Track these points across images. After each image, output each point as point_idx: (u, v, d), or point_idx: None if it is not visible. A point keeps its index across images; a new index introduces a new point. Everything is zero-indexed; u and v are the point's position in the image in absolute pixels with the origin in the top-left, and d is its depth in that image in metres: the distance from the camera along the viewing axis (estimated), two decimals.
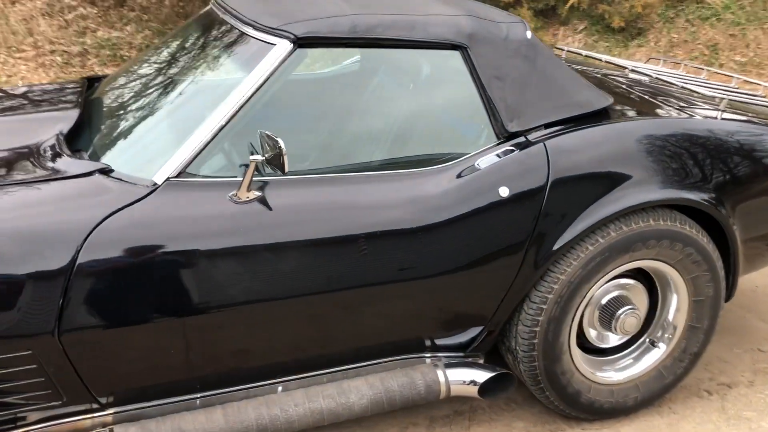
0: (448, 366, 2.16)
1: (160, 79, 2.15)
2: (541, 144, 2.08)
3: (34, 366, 1.75)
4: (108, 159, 1.93)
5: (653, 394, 2.39)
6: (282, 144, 1.73)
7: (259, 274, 1.87)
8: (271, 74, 1.93)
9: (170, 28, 8.60)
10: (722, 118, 2.35)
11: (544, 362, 2.20)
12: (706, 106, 2.50)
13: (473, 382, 2.16)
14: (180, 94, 2.05)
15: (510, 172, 2.04)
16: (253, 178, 1.86)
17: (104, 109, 2.19)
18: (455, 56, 2.11)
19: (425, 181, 2.01)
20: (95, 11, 9.23)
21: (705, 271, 2.27)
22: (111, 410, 1.91)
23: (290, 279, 1.90)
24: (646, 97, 2.56)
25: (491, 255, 2.05)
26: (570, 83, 2.22)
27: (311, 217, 1.90)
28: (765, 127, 2.41)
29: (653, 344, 2.40)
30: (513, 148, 2.09)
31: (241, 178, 1.85)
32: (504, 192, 2.02)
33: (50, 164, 1.91)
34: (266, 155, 1.78)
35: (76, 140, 2.09)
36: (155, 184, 1.81)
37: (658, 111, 2.41)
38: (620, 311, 2.27)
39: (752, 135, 2.35)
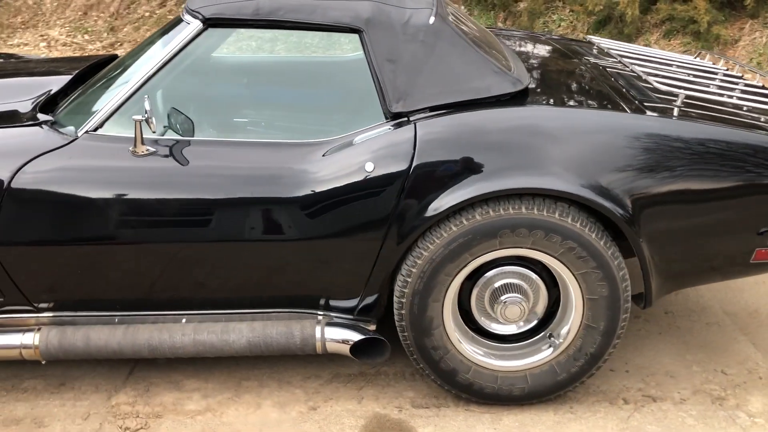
0: (330, 324, 2.34)
1: (126, 60, 2.58)
2: (412, 123, 2.18)
3: None
4: (64, 118, 2.40)
5: (544, 388, 2.35)
6: (147, 107, 2.07)
7: (148, 219, 2.23)
8: (181, 49, 2.27)
9: None
10: (649, 114, 2.23)
11: (413, 334, 2.29)
12: (658, 101, 2.36)
13: (346, 342, 2.32)
14: (124, 69, 2.45)
15: (378, 148, 2.17)
16: (162, 137, 2.23)
17: (87, 81, 2.68)
18: (354, 39, 2.27)
19: (306, 152, 2.22)
20: None
21: (594, 268, 2.18)
22: (46, 314, 2.39)
23: (178, 227, 2.24)
24: (604, 88, 2.47)
25: (358, 225, 2.20)
26: (470, 69, 2.26)
27: (196, 174, 2.21)
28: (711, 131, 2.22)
29: (551, 338, 2.35)
30: (390, 127, 2.21)
31: (155, 136, 2.22)
32: (369, 167, 2.16)
33: (21, 115, 2.43)
34: (144, 116, 2.13)
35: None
36: (76, 136, 2.25)
37: (587, 101, 2.34)
38: (504, 297, 2.28)
39: (675, 140, 2.19)
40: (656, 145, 2.18)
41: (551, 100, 2.37)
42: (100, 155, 2.24)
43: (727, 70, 2.96)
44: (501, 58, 2.45)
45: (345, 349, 2.33)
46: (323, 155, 2.20)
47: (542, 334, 2.38)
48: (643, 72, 2.53)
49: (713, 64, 3.07)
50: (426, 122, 2.18)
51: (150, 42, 2.46)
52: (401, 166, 2.15)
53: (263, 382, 2.54)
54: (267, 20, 2.26)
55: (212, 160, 2.22)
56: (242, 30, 2.32)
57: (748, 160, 2.21)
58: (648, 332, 2.81)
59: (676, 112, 2.31)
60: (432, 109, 2.22)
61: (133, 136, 2.20)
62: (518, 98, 2.29)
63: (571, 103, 2.36)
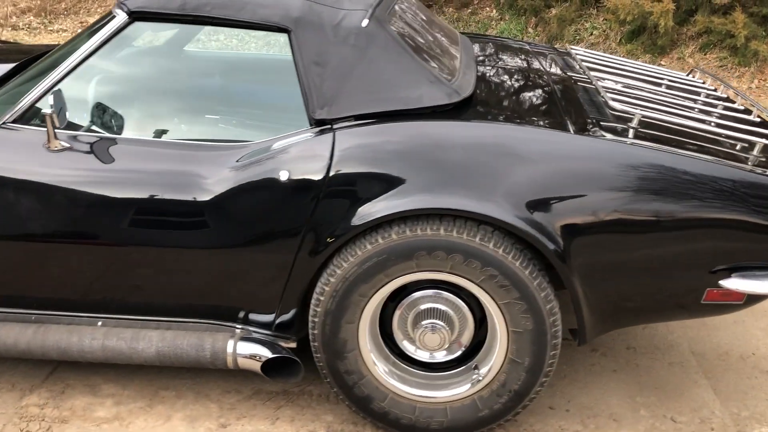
0: (244, 339, 2.22)
1: (57, 51, 2.50)
2: (331, 133, 2.04)
3: None
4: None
5: (463, 424, 2.18)
6: (51, 101, 1.98)
7: (58, 217, 2.14)
8: (106, 41, 2.18)
9: None
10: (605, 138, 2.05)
11: (326, 356, 2.15)
12: (614, 120, 2.18)
13: (256, 358, 2.20)
14: (53, 61, 2.37)
15: (294, 156, 2.05)
16: (84, 133, 2.15)
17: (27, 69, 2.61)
18: (284, 38, 2.14)
19: (220, 155, 2.10)
20: None
21: (517, 299, 2.01)
22: None
23: (85, 226, 2.15)
24: (556, 105, 2.29)
25: (270, 237, 2.08)
26: (402, 77, 2.11)
27: (107, 172, 2.12)
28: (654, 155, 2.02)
29: (475, 370, 2.19)
30: (311, 134, 2.07)
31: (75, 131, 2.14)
32: (283, 176, 2.03)
33: None
34: (51, 110, 2.04)
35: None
36: None
37: (529, 117, 2.17)
38: (425, 322, 2.12)
39: (617, 165, 2.00)
40: (593, 169, 2.00)
41: (490, 115, 2.20)
42: (15, 148, 2.17)
43: (715, 90, 2.75)
44: (445, 67, 2.29)
45: (256, 366, 2.20)
46: (237, 160, 2.07)
47: (467, 365, 2.22)
48: (603, 88, 2.34)
49: (704, 83, 2.85)
50: (346, 131, 2.04)
51: (81, 35, 2.38)
52: (316, 177, 2.02)
53: (181, 393, 2.44)
54: (193, 15, 2.16)
55: (124, 159, 2.13)
56: (168, 24, 2.21)
57: (701, 190, 2.01)
58: (602, 368, 2.61)
59: (631, 133, 2.13)
60: (357, 117, 2.08)
61: (54, 131, 2.12)
62: (455, 111, 2.13)
63: (511, 118, 2.19)
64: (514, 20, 8.55)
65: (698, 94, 2.68)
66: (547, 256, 1.98)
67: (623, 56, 7.78)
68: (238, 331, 2.26)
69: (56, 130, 2.11)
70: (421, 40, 2.40)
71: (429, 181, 1.98)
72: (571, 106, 2.31)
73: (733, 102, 2.59)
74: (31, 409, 2.34)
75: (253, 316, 2.25)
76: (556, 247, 1.96)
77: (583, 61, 2.77)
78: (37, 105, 2.17)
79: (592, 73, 2.55)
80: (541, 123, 2.16)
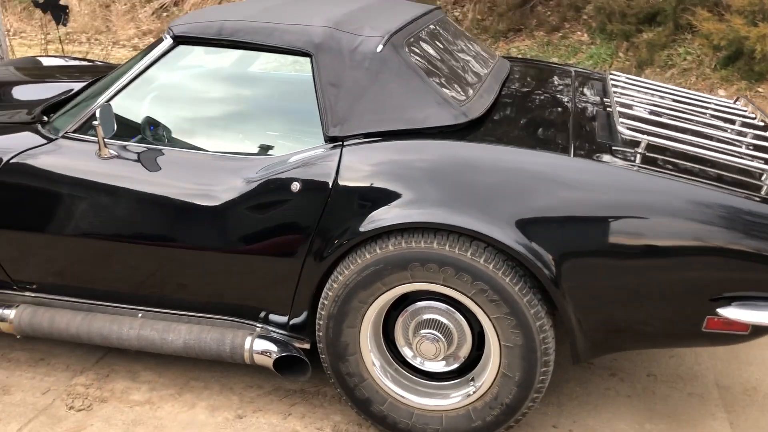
0: (261, 337, 2.40)
1: (116, 70, 2.80)
2: (339, 149, 2.20)
3: None
4: (57, 120, 2.63)
5: None
6: (98, 114, 2.26)
7: (105, 218, 2.41)
8: (153, 62, 2.44)
9: None
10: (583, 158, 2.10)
11: (329, 358, 2.30)
12: (623, 145, 2.23)
13: (269, 355, 2.37)
14: (111, 79, 2.65)
15: (305, 170, 2.22)
16: (134, 143, 2.42)
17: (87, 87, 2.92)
18: (306, 62, 2.33)
19: (244, 167, 2.31)
20: None
21: (507, 314, 2.08)
22: (28, 294, 2.65)
23: (126, 227, 2.40)
24: (567, 128, 2.35)
25: (282, 242, 2.26)
26: (409, 99, 2.24)
27: (146, 179, 2.37)
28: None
29: (472, 382, 2.26)
30: (323, 150, 2.24)
31: (121, 142, 2.42)
32: (295, 187, 2.21)
33: (27, 115, 2.71)
34: (97, 122, 2.31)
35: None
36: (57, 137, 2.49)
37: (535, 140, 2.25)
38: (423, 331, 2.23)
39: (617, 190, 2.05)
40: (590, 193, 2.05)
41: (494, 136, 2.29)
42: (73, 155, 2.46)
43: (754, 118, 2.70)
44: (461, 90, 2.40)
45: (269, 362, 2.38)
46: (257, 172, 2.27)
47: (466, 376, 2.30)
48: (618, 113, 2.37)
49: (748, 111, 2.81)
50: (352, 148, 2.20)
51: (137, 56, 2.66)
52: (323, 189, 2.18)
53: (209, 384, 2.65)
54: (229, 40, 2.39)
55: (163, 167, 2.37)
56: (209, 48, 2.45)
57: (701, 218, 2.01)
58: (617, 393, 2.60)
59: (638, 158, 2.16)
60: (366, 135, 2.23)
61: (103, 140, 2.39)
62: (461, 132, 2.23)
63: (513, 141, 2.27)
64: (605, 45, 8.44)
65: (733, 122, 2.64)
66: (537, 275, 2.04)
67: (719, 82, 7.53)
68: (258, 329, 2.44)
69: (106, 140, 2.39)
70: (441, 64, 2.52)
71: (425, 197, 2.09)
72: (584, 131, 2.35)
73: (764, 129, 2.55)
74: (78, 388, 2.62)
75: (272, 317, 2.43)
76: (546, 268, 2.02)
77: (614, 86, 2.79)
78: (92, 118, 2.46)
79: (618, 98, 2.57)
80: (543, 146, 2.22)
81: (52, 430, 2.41)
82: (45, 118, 2.64)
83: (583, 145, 2.23)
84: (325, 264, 2.21)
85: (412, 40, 2.49)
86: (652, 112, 2.56)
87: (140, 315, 2.56)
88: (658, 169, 2.10)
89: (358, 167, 2.17)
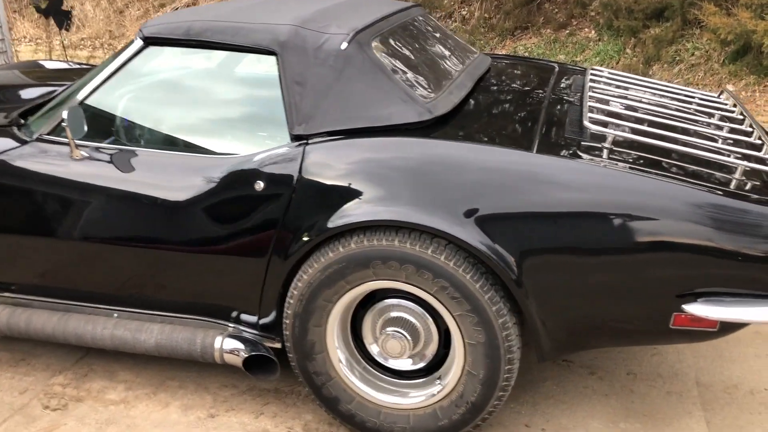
0: (231, 337, 2.40)
1: (89, 72, 2.81)
2: (302, 147, 2.19)
3: None
4: (34, 123, 2.66)
5: None
6: (64, 115, 2.28)
7: (77, 218, 2.43)
8: (124, 64, 2.46)
9: (476, 37, 9.27)
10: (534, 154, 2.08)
11: (297, 356, 2.29)
12: (591, 140, 2.20)
13: (239, 354, 2.37)
14: (84, 81, 2.66)
15: (269, 169, 2.21)
16: (108, 144, 2.43)
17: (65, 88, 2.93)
18: (272, 60, 2.33)
19: (210, 166, 2.30)
20: None
21: (468, 311, 2.06)
22: (9, 294, 2.68)
23: (100, 227, 2.42)
24: (535, 124, 2.33)
25: (247, 242, 2.26)
26: (374, 96, 2.23)
27: (115, 179, 2.38)
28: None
29: (439, 380, 2.24)
30: (287, 149, 2.23)
31: (94, 143, 2.44)
32: (259, 186, 2.21)
33: (4, 119, 2.74)
34: (64, 124, 2.32)
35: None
36: (31, 139, 2.51)
37: (499, 137, 2.23)
38: (388, 329, 2.22)
39: (579, 186, 2.01)
40: (551, 188, 2.02)
41: (458, 133, 2.27)
42: (47, 157, 2.47)
43: (733, 112, 2.65)
44: (429, 87, 2.39)
45: (238, 361, 2.38)
46: (223, 171, 2.27)
47: (433, 375, 2.28)
48: (588, 108, 2.34)
49: (729, 104, 2.76)
50: (315, 146, 2.19)
51: (109, 58, 2.68)
52: (286, 188, 2.18)
53: (184, 383, 2.66)
54: (197, 40, 2.39)
55: (131, 168, 2.37)
56: (177, 48, 2.45)
57: (665, 213, 1.97)
58: (594, 391, 2.57)
59: (605, 154, 2.13)
60: (331, 134, 2.22)
61: (74, 142, 2.41)
62: (426, 129, 2.22)
63: (475, 137, 2.25)
64: (612, 41, 8.36)
65: (713, 116, 2.60)
66: (498, 273, 2.02)
67: (727, 77, 7.42)
68: (230, 329, 2.44)
69: (78, 141, 2.40)
70: (411, 61, 2.51)
71: (385, 194, 2.08)
72: (552, 128, 2.32)
73: (741, 123, 2.50)
74: (55, 388, 2.65)
75: (243, 317, 2.43)
76: (507, 266, 2.00)
77: (593, 81, 2.75)
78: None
79: (593, 94, 2.54)
80: (506, 142, 2.20)
81: (26, 430, 2.43)
82: (22, 121, 2.66)
83: (548, 142, 2.20)
84: (289, 263, 2.20)
85: (381, 37, 2.48)
86: (628, 108, 2.53)
87: (116, 315, 2.57)
88: (623, 165, 2.07)
89: (320, 166, 2.16)
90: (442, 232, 2.02)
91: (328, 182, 2.15)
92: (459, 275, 2.03)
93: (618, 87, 2.77)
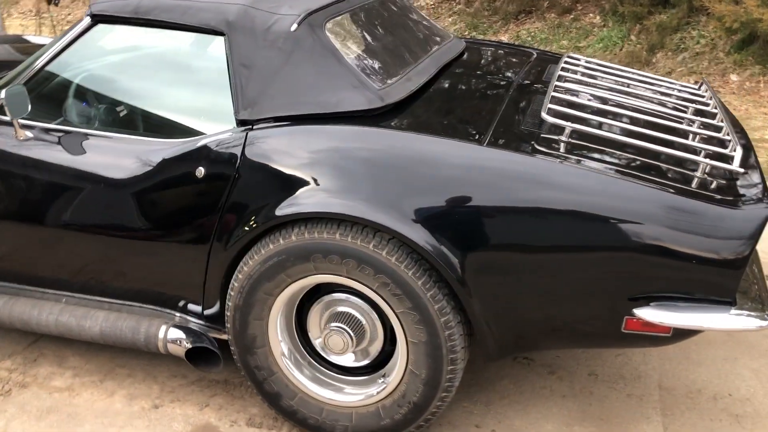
0: (176, 326, 2.33)
1: (40, 49, 2.72)
2: (244, 133, 2.11)
3: None
4: None
5: (366, 431, 2.17)
6: (1, 95, 2.20)
7: (20, 199, 2.36)
8: (72, 41, 2.37)
9: (479, 20, 9.14)
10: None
11: (238, 350, 2.22)
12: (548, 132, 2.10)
13: (181, 345, 2.30)
14: (32, 59, 2.57)
15: (210, 155, 2.13)
16: (50, 125, 2.35)
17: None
18: (220, 41, 2.24)
19: (155, 149, 2.22)
20: (432, 2, 10.29)
21: (410, 309, 1.97)
22: None
23: (41, 209, 2.34)
24: (493, 114, 2.23)
25: (188, 230, 2.18)
26: (324, 82, 2.13)
27: (56, 161, 2.30)
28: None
29: (384, 378, 2.17)
30: (230, 134, 2.14)
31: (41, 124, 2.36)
32: (200, 172, 2.13)
33: None
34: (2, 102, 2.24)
35: None
36: None
37: (449, 127, 2.14)
38: (331, 325, 2.14)
39: (527, 180, 1.91)
40: (498, 182, 1.92)
41: (408, 123, 2.16)
42: None
43: (709, 106, 2.53)
44: (385, 73, 2.29)
45: (181, 352, 2.31)
46: (165, 155, 2.19)
47: (378, 373, 2.20)
48: (551, 97, 2.23)
49: (706, 96, 2.64)
50: (257, 133, 2.10)
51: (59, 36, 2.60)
52: (226, 176, 2.10)
53: (134, 372, 2.60)
54: (144, 18, 2.30)
55: (73, 150, 2.29)
56: (126, 26, 2.36)
57: (616, 212, 1.87)
58: (552, 392, 2.48)
59: (562, 148, 2.04)
60: (276, 119, 2.13)
61: (17, 122, 2.33)
62: (376, 117, 2.12)
63: (425, 128, 2.14)
64: (616, 27, 8.17)
65: (687, 109, 2.49)
66: (440, 271, 1.93)
67: (732, 67, 7.25)
68: (176, 318, 2.37)
69: (23, 122, 2.33)
70: (369, 45, 2.41)
71: (327, 186, 1.99)
72: (511, 119, 2.22)
73: (713, 117, 2.38)
74: (1, 373, 2.59)
75: (190, 306, 2.35)
76: (450, 265, 1.91)
77: (565, 70, 2.64)
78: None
79: (561, 83, 2.43)
80: (455, 134, 2.10)
81: None
82: None
83: (502, 134, 2.10)
84: (229, 254, 2.12)
85: (339, 19, 2.37)
86: (596, 99, 2.41)
87: (64, 300, 2.51)
88: (576, 160, 1.97)
89: (262, 153, 2.07)
90: (386, 228, 1.93)
91: (268, 171, 2.06)
92: (401, 271, 1.95)
93: (590, 77, 2.65)
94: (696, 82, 2.77)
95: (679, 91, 2.67)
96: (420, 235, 1.91)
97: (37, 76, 2.40)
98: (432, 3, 10.06)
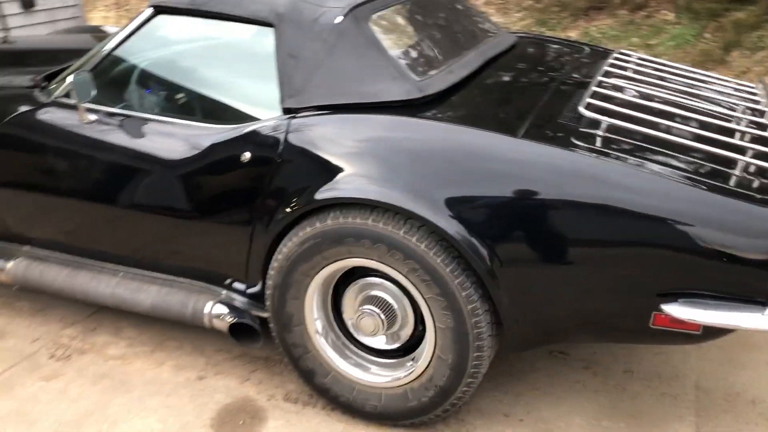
0: (222, 303, 2.46)
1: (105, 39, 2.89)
2: (288, 120, 2.20)
3: None
4: (53, 86, 2.76)
5: (394, 411, 2.24)
6: (70, 80, 2.36)
7: (84, 178, 2.53)
8: (134, 31, 2.53)
9: (548, 16, 9.05)
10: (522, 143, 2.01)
11: (276, 327, 2.33)
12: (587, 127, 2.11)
13: (224, 320, 2.42)
14: (99, 47, 2.74)
15: (256, 140, 2.24)
16: (112, 110, 2.51)
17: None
18: (270, 32, 2.34)
19: (206, 134, 2.35)
20: None
21: (438, 295, 2.03)
22: (27, 247, 2.83)
23: (104, 189, 2.51)
24: (530, 107, 2.26)
25: (233, 209, 2.30)
26: (364, 72, 2.21)
27: (119, 141, 2.46)
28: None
29: (413, 362, 2.23)
30: (274, 121, 2.24)
31: (105, 108, 2.52)
32: (245, 157, 2.24)
33: (29, 81, 2.86)
34: (71, 88, 2.41)
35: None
36: (49, 101, 2.63)
37: (487, 119, 2.18)
38: (363, 307, 2.22)
39: (558, 174, 1.93)
40: (535, 177, 1.95)
41: (446, 114, 2.20)
42: (60, 119, 2.58)
43: (759, 105, 2.48)
44: (426, 65, 2.34)
45: (224, 327, 2.43)
46: (215, 140, 2.30)
47: (409, 356, 2.27)
48: (593, 92, 2.24)
49: (759, 95, 2.59)
50: (299, 120, 2.19)
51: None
52: (269, 161, 2.20)
53: (182, 344, 2.75)
54: (201, 10, 2.43)
55: (132, 133, 2.45)
56: (183, 17, 2.50)
57: (654, 209, 1.87)
58: (584, 387, 2.49)
59: (598, 142, 2.05)
60: (319, 108, 2.22)
61: (82, 105, 2.50)
62: (415, 108, 2.18)
63: (462, 119, 2.18)
64: (690, 25, 7.94)
65: (736, 108, 2.44)
66: (469, 261, 1.98)
67: None
68: (222, 295, 2.50)
69: (88, 105, 2.49)
70: (414, 38, 2.47)
71: (366, 173, 2.06)
72: (549, 112, 2.24)
73: (762, 116, 2.34)
74: (64, 339, 2.79)
75: (235, 285, 2.48)
76: (479, 255, 1.95)
77: (614, 66, 2.63)
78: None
79: (607, 79, 2.42)
80: (489, 125, 2.13)
81: (29, 376, 2.58)
82: (44, 84, 2.78)
83: (538, 126, 2.12)
84: (270, 235, 2.23)
85: (385, 12, 2.44)
86: (641, 95, 2.40)
87: (120, 274, 2.68)
88: (614, 155, 1.98)
89: (304, 140, 2.16)
90: (420, 217, 1.98)
91: (312, 156, 2.15)
92: (429, 258, 2.00)
93: (639, 73, 2.64)
94: (758, 81, 2.70)
95: (734, 89, 2.62)
96: (453, 228, 1.96)
97: (102, 63, 2.57)
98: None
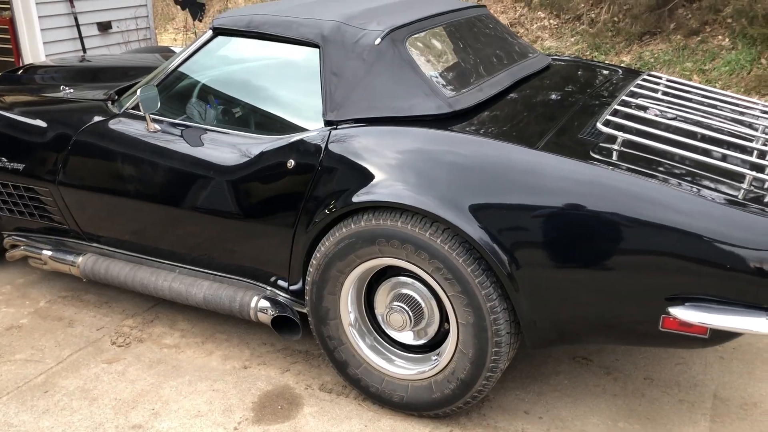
0: (266, 298, 2.69)
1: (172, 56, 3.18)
2: (328, 131, 2.43)
3: (50, 199, 3.10)
4: (124, 99, 3.07)
5: (419, 403, 2.41)
6: (138, 93, 2.65)
7: (148, 183, 2.81)
8: (197, 50, 2.81)
9: (601, 41, 9.14)
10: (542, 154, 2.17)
11: (314, 320, 2.53)
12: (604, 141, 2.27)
13: (267, 313, 2.65)
14: (165, 65, 3.03)
15: (300, 148, 2.47)
16: (174, 120, 2.80)
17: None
18: (316, 53, 2.58)
19: (256, 144, 2.60)
20: (555, 23, 10.38)
21: (460, 293, 2.20)
22: (95, 245, 3.14)
23: (166, 193, 2.78)
24: (554, 124, 2.43)
25: (278, 212, 2.53)
26: (398, 89, 2.42)
27: (180, 149, 2.73)
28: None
29: (436, 356, 2.40)
30: (317, 132, 2.48)
31: (167, 119, 2.81)
32: (290, 164, 2.47)
33: (103, 95, 3.18)
34: (135, 101, 2.70)
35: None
36: (119, 112, 2.93)
37: (508, 134, 2.36)
38: (393, 304, 2.40)
39: (573, 183, 2.10)
40: (547, 184, 2.11)
41: (472, 128, 2.39)
42: (129, 129, 2.88)
43: None
44: (458, 83, 2.54)
45: (267, 320, 2.66)
46: (266, 149, 2.55)
47: (435, 351, 2.44)
48: (614, 110, 2.40)
49: None
50: (339, 131, 2.42)
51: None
52: (310, 168, 2.43)
53: (230, 337, 2.98)
54: (255, 32, 2.70)
55: (194, 143, 2.71)
56: (240, 38, 2.77)
57: (659, 218, 2.01)
58: (604, 390, 2.61)
59: (614, 156, 2.21)
60: (357, 121, 2.44)
61: (148, 116, 2.79)
62: (444, 121, 2.38)
63: (488, 132, 2.36)
64: (746, 50, 7.91)
65: (758, 127, 2.56)
66: (489, 263, 2.15)
67: None
68: (267, 291, 2.73)
69: (155, 116, 2.78)
70: (447, 58, 2.67)
71: (398, 179, 2.26)
72: (570, 128, 2.40)
73: None
74: (125, 328, 3.06)
75: (279, 282, 2.71)
76: (498, 259, 2.12)
77: (641, 87, 2.77)
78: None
79: (630, 99, 2.57)
80: (510, 138, 2.30)
81: (93, 359, 2.85)
82: (116, 97, 3.10)
83: (557, 140, 2.29)
84: (310, 235, 2.45)
85: (421, 35, 2.66)
86: (663, 116, 2.53)
87: (177, 271, 2.94)
88: (626, 167, 2.13)
89: (343, 149, 2.38)
90: (438, 217, 2.17)
91: (345, 165, 2.37)
92: (452, 258, 2.19)
93: (666, 94, 2.77)
94: None
95: (761, 111, 2.73)
96: (475, 230, 2.14)
97: (167, 79, 2.86)
98: (555, 24, 10.14)
